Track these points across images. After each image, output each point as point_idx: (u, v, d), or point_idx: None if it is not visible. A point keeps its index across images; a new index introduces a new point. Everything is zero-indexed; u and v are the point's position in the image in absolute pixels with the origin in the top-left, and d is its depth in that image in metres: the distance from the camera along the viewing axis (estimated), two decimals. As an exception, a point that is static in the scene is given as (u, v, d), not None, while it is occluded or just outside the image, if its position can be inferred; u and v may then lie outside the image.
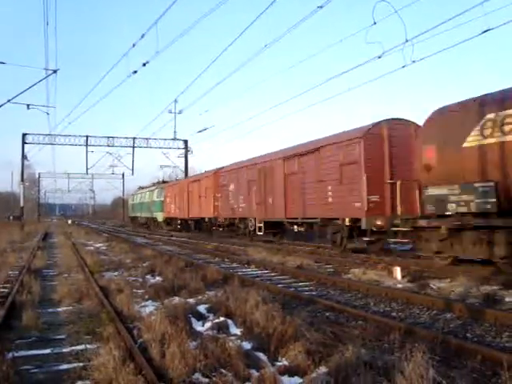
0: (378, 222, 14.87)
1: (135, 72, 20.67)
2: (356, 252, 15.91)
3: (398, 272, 11.07)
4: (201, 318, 7.25)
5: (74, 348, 5.97)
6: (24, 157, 49.23)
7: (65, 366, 5.30)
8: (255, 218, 23.32)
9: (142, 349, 5.46)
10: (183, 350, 5.02)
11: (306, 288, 10.53)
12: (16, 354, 5.68)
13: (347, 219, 16.02)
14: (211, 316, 7.30)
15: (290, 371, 4.83)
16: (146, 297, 9.20)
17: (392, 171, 15.26)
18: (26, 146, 48.50)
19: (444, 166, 11.80)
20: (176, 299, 8.50)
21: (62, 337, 6.63)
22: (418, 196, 13.39)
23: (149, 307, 8.10)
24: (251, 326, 6.47)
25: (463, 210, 11.29)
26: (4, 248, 20.90)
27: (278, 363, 5.14)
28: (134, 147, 50.54)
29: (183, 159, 52.51)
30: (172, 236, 32.12)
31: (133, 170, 52.89)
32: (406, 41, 12.89)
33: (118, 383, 4.33)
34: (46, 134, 46.87)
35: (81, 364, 5.17)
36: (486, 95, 11.40)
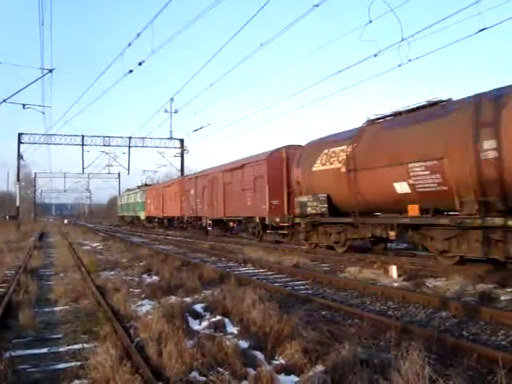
0: (277, 220, 20.54)
1: (131, 71, 20.65)
2: (277, 242, 21.24)
3: (393, 271, 11.10)
4: (198, 316, 7.26)
5: (71, 347, 5.97)
6: (20, 156, 49.05)
7: (62, 365, 5.31)
8: (207, 217, 29.29)
9: (138, 348, 5.47)
10: (180, 349, 5.03)
11: (303, 287, 10.56)
12: (13, 354, 5.68)
13: (257, 217, 22.02)
14: (208, 315, 7.31)
15: (287, 370, 4.85)
16: (143, 296, 9.20)
17: (288, 183, 20.48)
18: (21, 145, 48.25)
19: (305, 182, 17.91)
20: (173, 298, 8.51)
21: (59, 336, 6.64)
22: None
23: (145, 306, 8.10)
24: (248, 324, 6.48)
25: (314, 211, 17.17)
26: (0, 248, 20.83)
27: (275, 362, 5.16)
28: (129, 147, 50.31)
29: (179, 158, 52.42)
30: (168, 235, 32.15)
31: (129, 169, 52.68)
32: (402, 39, 12.88)
33: (115, 382, 4.33)
34: (42, 134, 46.67)
35: (78, 363, 5.18)
36: (327, 136, 17.71)
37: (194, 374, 4.69)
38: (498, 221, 10.54)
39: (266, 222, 21.03)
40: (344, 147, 15.65)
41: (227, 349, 5.21)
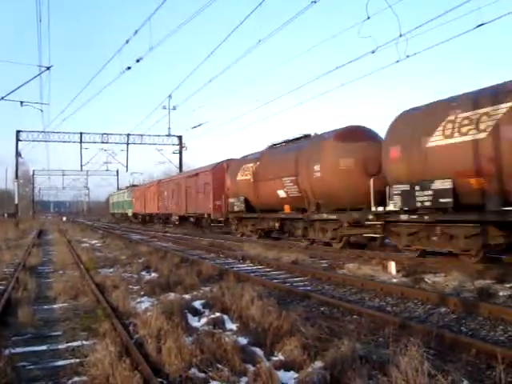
0: (218, 216, 27.19)
1: (129, 68, 20.56)
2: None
3: (392, 267, 11.12)
4: (196, 313, 7.27)
5: (70, 344, 5.98)
6: (18, 154, 49.04)
7: (61, 362, 5.32)
8: (175, 214, 36.35)
9: (138, 344, 5.47)
10: (179, 346, 5.04)
11: (301, 283, 10.57)
12: (13, 351, 5.68)
13: (206, 214, 29.16)
14: (207, 311, 7.32)
15: (286, 366, 4.86)
16: (142, 293, 9.21)
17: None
18: (19, 143, 48.28)
19: (232, 188, 24.38)
20: (172, 295, 8.51)
21: (58, 333, 6.64)
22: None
23: (144, 303, 8.11)
24: (247, 321, 6.49)
25: (238, 209, 23.54)
26: (-1, 245, 20.84)
27: (274, 358, 5.16)
28: (128, 144, 50.33)
29: (178, 155, 52.42)
30: (167, 232, 32.17)
31: (127, 166, 52.70)
32: (400, 35, 12.86)
33: (115, 379, 4.34)
34: (40, 131, 46.67)
35: (77, 360, 5.19)
36: (245, 155, 24.30)
37: (194, 370, 4.69)
38: (325, 216, 16.99)
39: (212, 217, 28.33)
40: (252, 164, 22.24)
41: (226, 345, 5.22)
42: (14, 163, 50.71)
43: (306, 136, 19.23)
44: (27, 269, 12.72)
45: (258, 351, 5.39)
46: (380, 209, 14.09)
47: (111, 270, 12.83)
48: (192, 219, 32.89)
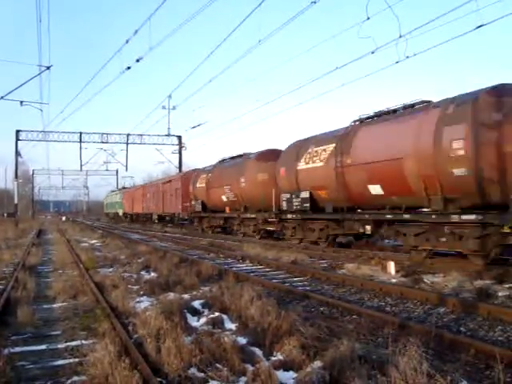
0: (185, 215, 33.54)
1: (129, 68, 20.57)
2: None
3: (391, 267, 11.13)
4: (196, 313, 7.27)
5: (69, 344, 5.98)
6: (18, 154, 49.03)
7: (60, 362, 5.32)
8: (155, 213, 42.65)
9: (137, 344, 5.47)
10: (178, 345, 5.04)
11: (301, 283, 10.58)
12: (12, 350, 5.69)
13: (176, 213, 35.90)
14: (206, 311, 7.32)
15: (285, 366, 4.86)
16: (141, 292, 9.22)
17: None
18: (19, 142, 48.30)
19: (194, 193, 30.03)
20: (171, 295, 8.52)
21: (58, 333, 6.65)
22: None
23: (144, 303, 8.11)
24: (246, 321, 6.49)
25: (198, 210, 29.41)
26: (-2, 245, 20.84)
27: (273, 358, 5.17)
28: (127, 143, 50.31)
29: (177, 155, 52.43)
30: (166, 232, 32.22)
31: (127, 166, 52.68)
32: (400, 36, 12.86)
33: (114, 378, 4.34)
34: (40, 131, 46.65)
35: (76, 360, 5.19)
36: (203, 167, 31.18)
37: (193, 370, 4.70)
38: (249, 215, 23.28)
39: (180, 216, 34.99)
40: (206, 175, 28.40)
41: (225, 345, 5.22)
42: (13, 163, 50.79)
43: (241, 155, 25.10)
44: (27, 268, 12.72)
45: (257, 351, 5.40)
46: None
47: (110, 269, 12.83)
48: (167, 218, 39.66)
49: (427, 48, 14.19)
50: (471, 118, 10.78)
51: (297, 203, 17.92)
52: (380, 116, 14.63)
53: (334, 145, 15.72)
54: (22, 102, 26.76)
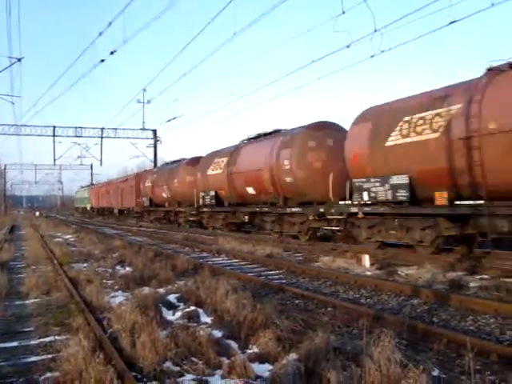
0: (138, 209, 37.93)
1: (103, 61, 20.36)
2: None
3: (366, 260, 11.23)
4: (171, 307, 7.25)
5: (42, 340, 5.91)
6: (-12, 147, 48.03)
7: (33, 358, 5.25)
8: (116, 207, 47.20)
9: (112, 339, 5.43)
10: (154, 339, 5.02)
11: (276, 276, 10.61)
12: (-18, 347, 5.59)
13: (131, 207, 40.30)
14: (182, 305, 7.31)
15: (261, 358, 4.88)
16: (116, 287, 9.15)
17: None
18: (-10, 136, 47.33)
19: (143, 191, 36.77)
20: (146, 289, 8.47)
21: (31, 329, 6.55)
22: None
23: (119, 297, 8.05)
24: (222, 314, 6.49)
25: (146, 205, 36.19)
26: (-31, 241, 20.41)
27: (249, 351, 5.18)
28: (102, 137, 49.67)
29: (152, 149, 52.01)
30: (141, 227, 31.98)
31: (101, 160, 52.05)
32: (375, 30, 12.94)
33: (88, 374, 4.29)
34: (12, 125, 45.71)
35: (50, 356, 5.14)
36: (151, 169, 41.54)
37: (168, 363, 4.69)
38: (183, 209, 28.79)
39: (134, 209, 39.43)
40: (151, 176, 34.90)
41: (201, 338, 5.22)
42: (-16, 157, 49.68)
43: (178, 160, 31.39)
44: (-2, 264, 12.49)
45: (233, 344, 5.41)
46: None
47: (85, 264, 12.69)
48: (125, 211, 44.64)
49: (402, 42, 14.33)
50: (294, 145, 17.18)
51: (208, 200, 24.49)
52: (257, 138, 20.99)
53: (227, 157, 22.39)
54: (-8, 94, 26.23)
